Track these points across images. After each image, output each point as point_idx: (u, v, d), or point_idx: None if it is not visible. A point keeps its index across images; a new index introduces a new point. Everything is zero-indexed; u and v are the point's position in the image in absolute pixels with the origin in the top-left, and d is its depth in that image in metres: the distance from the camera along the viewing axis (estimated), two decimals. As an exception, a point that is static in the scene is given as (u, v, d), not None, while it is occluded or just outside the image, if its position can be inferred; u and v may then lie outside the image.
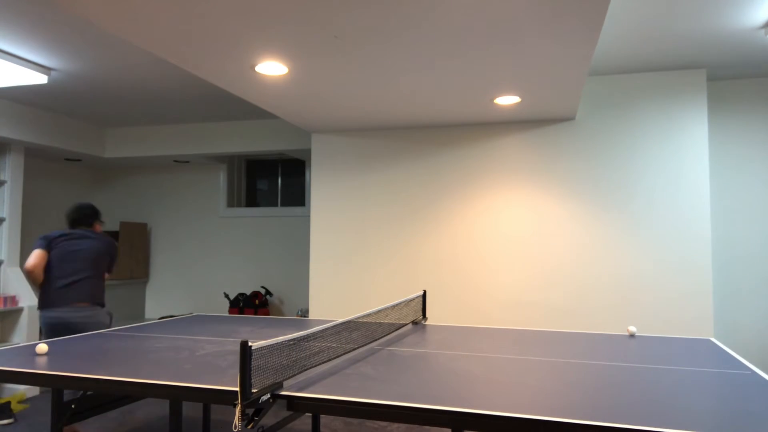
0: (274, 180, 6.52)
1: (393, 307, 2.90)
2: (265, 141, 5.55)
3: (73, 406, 2.46)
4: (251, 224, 6.35)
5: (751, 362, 4.16)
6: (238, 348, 2.44)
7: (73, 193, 6.64)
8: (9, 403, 4.15)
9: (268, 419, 3.99)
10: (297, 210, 6.18)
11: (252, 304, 5.92)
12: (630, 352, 2.39)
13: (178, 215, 6.64)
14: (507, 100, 3.65)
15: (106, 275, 3.75)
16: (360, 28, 2.52)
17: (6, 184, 5.03)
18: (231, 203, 6.52)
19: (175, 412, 2.26)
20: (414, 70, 3.11)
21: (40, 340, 3.71)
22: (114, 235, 6.41)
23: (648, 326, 3.88)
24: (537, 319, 4.09)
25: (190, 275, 6.54)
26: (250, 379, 1.59)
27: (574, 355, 2.30)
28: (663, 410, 1.53)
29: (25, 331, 4.87)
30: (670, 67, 3.92)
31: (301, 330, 2.28)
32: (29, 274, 3.42)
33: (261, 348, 1.71)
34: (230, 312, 5.96)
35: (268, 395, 1.64)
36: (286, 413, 4.08)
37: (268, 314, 6.01)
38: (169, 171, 6.73)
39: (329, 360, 2.11)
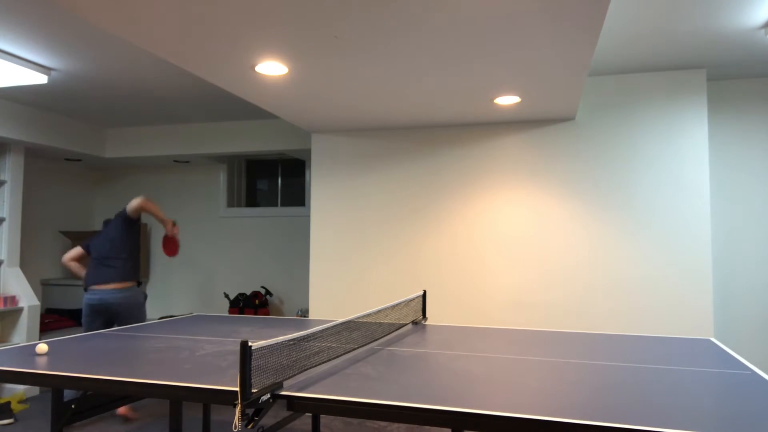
0: (274, 180, 6.52)
1: (393, 307, 2.90)
2: (265, 141, 5.55)
3: (73, 406, 2.46)
4: (251, 224, 6.35)
5: (751, 362, 4.16)
6: (238, 348, 2.44)
7: (73, 193, 6.64)
8: (9, 403, 4.15)
9: (268, 419, 3.99)
10: (297, 210, 6.18)
11: (252, 304, 5.92)
12: (630, 352, 2.39)
13: (178, 215, 6.64)
14: (507, 100, 3.65)
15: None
16: (360, 28, 2.52)
17: (6, 184, 5.03)
18: (231, 203, 6.52)
19: (175, 412, 2.26)
20: (414, 70, 3.11)
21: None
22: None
23: (648, 326, 3.88)
24: (537, 319, 4.09)
25: (190, 275, 6.54)
26: (250, 379, 1.59)
27: (574, 355, 2.30)
28: (663, 410, 1.53)
29: (25, 331, 4.87)
30: (670, 67, 3.92)
31: (301, 330, 2.28)
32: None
33: (261, 348, 1.71)
34: (230, 312, 5.96)
35: (268, 395, 1.64)
36: (286, 413, 4.08)
37: (268, 314, 6.01)
38: (169, 171, 6.73)
39: (329, 360, 2.11)
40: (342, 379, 1.87)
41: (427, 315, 4.34)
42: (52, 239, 6.28)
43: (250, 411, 1.62)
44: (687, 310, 3.83)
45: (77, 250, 4.15)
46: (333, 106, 3.86)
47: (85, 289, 4.03)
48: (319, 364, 2.01)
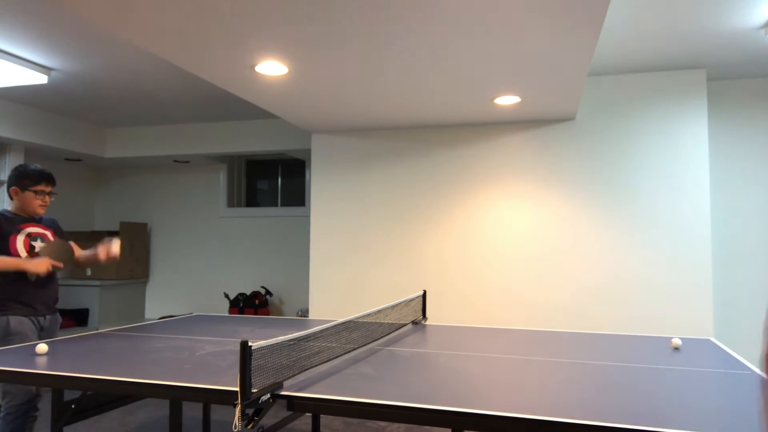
0: (274, 180, 6.52)
1: (393, 307, 2.90)
2: (265, 141, 5.55)
3: (73, 406, 2.46)
4: (251, 224, 6.35)
5: (751, 362, 4.16)
6: (238, 348, 2.44)
7: (73, 193, 6.64)
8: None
9: (268, 419, 3.99)
10: (297, 210, 6.18)
11: (252, 304, 5.92)
12: (630, 352, 2.39)
13: (178, 215, 6.64)
14: (507, 100, 3.64)
15: None
16: (360, 28, 2.52)
17: (6, 184, 5.03)
18: (231, 203, 6.52)
19: (175, 412, 2.26)
20: (414, 71, 3.11)
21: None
22: (114, 235, 6.41)
23: (648, 326, 3.88)
24: (536, 318, 4.09)
25: (190, 275, 6.54)
26: (250, 379, 1.59)
27: (574, 355, 2.30)
28: (663, 410, 1.53)
29: (25, 331, 4.86)
30: (670, 67, 3.92)
31: (301, 330, 2.28)
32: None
33: (261, 348, 1.71)
34: (230, 312, 5.96)
35: (268, 395, 1.64)
36: (286, 413, 4.08)
37: (268, 314, 6.01)
38: (169, 171, 6.72)
39: (329, 360, 2.11)
40: (342, 379, 1.87)
41: (427, 315, 4.34)
42: (52, 239, 6.27)
43: (250, 411, 1.62)
44: (687, 310, 3.82)
45: None
46: (333, 106, 3.86)
47: None
48: (319, 364, 2.01)
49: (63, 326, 5.69)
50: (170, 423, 2.23)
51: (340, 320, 2.36)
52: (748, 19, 3.15)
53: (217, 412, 4.31)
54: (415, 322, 3.21)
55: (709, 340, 2.71)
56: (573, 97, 3.56)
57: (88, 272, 6.09)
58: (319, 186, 4.65)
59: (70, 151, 5.55)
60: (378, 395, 1.66)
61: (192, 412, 4.36)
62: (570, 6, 2.29)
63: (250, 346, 1.61)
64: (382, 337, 2.66)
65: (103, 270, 6.06)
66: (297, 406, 1.66)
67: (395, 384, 1.80)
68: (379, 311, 2.74)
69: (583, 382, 1.85)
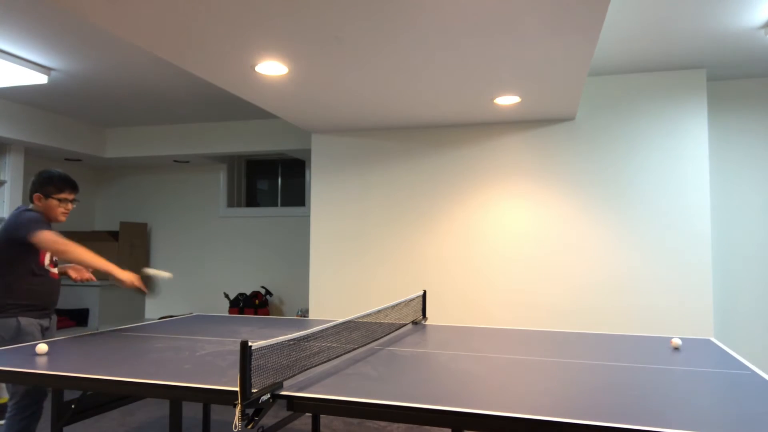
0: (274, 180, 6.52)
1: (393, 307, 2.90)
2: (265, 141, 5.55)
3: (72, 406, 2.46)
4: (251, 224, 6.35)
5: (751, 362, 4.16)
6: (238, 348, 2.44)
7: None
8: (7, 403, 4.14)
9: (268, 419, 3.99)
10: (297, 210, 6.18)
11: (252, 304, 5.91)
12: (630, 352, 2.39)
13: (178, 215, 6.64)
14: (507, 100, 3.64)
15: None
16: (360, 28, 2.52)
17: (6, 184, 5.03)
18: (231, 203, 6.52)
19: (175, 412, 2.26)
20: (414, 71, 3.11)
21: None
22: (114, 235, 6.41)
23: (648, 326, 3.88)
24: (537, 318, 4.09)
25: (190, 275, 6.54)
26: (250, 379, 1.59)
27: (574, 355, 2.30)
28: (663, 410, 1.53)
29: (25, 331, 4.86)
30: (670, 67, 3.92)
31: (301, 330, 2.28)
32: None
33: (261, 348, 1.71)
34: (230, 312, 5.96)
35: (268, 395, 1.64)
36: (286, 413, 4.08)
37: (268, 314, 6.01)
38: (169, 171, 6.72)
39: (329, 360, 2.11)
40: (342, 379, 1.87)
41: (427, 315, 4.34)
42: (52, 239, 6.27)
43: (250, 411, 1.62)
44: (687, 310, 3.82)
45: None
46: (333, 106, 3.86)
47: None
48: (319, 364, 2.01)
49: (63, 326, 5.70)
50: (170, 423, 2.23)
51: (340, 320, 2.36)
52: (748, 19, 3.15)
53: (217, 412, 4.31)
54: (415, 322, 3.21)
55: (709, 340, 2.71)
56: (573, 97, 3.56)
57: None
58: (319, 186, 4.65)
59: (70, 151, 5.55)
60: (378, 395, 1.66)
61: (192, 412, 4.36)
62: (570, 6, 2.29)
63: (250, 346, 1.61)
64: (382, 337, 2.66)
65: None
66: (297, 406, 1.66)
67: (395, 384, 1.80)
68: (379, 311, 2.74)
69: (583, 382, 1.84)
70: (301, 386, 1.76)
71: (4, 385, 4.51)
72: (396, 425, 3.98)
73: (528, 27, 2.51)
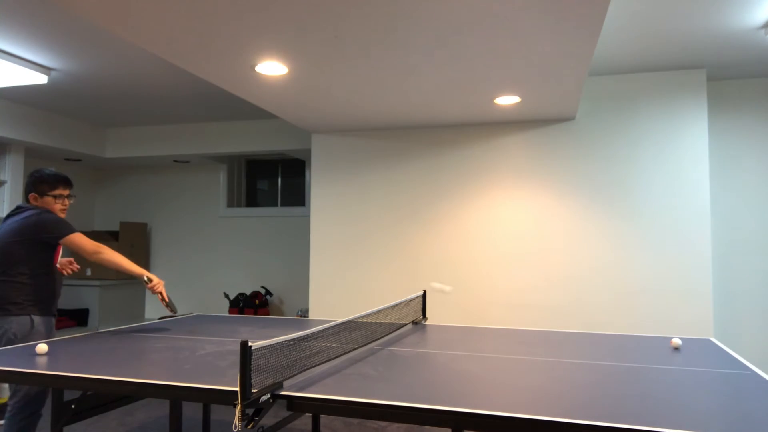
0: (274, 180, 6.52)
1: (393, 307, 2.90)
2: (265, 141, 5.55)
3: (72, 406, 2.46)
4: (251, 224, 6.35)
5: (751, 362, 4.16)
6: (238, 348, 2.44)
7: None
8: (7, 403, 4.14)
9: (268, 419, 3.99)
10: (297, 210, 6.18)
11: (252, 304, 5.91)
12: (630, 352, 2.39)
13: (178, 215, 6.64)
14: (507, 100, 3.65)
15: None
16: (360, 28, 2.52)
17: (6, 184, 5.03)
18: (231, 203, 6.52)
19: (175, 412, 2.26)
20: (414, 70, 3.11)
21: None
22: (114, 235, 6.41)
23: (648, 326, 3.88)
24: (537, 318, 4.09)
25: (190, 275, 6.54)
26: (250, 379, 1.59)
27: (574, 355, 2.30)
28: (663, 410, 1.53)
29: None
30: (670, 67, 3.92)
31: (301, 330, 2.28)
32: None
33: (261, 348, 1.71)
34: (230, 312, 5.96)
35: (268, 395, 1.64)
36: (286, 413, 4.08)
37: (268, 314, 6.01)
38: (169, 171, 6.72)
39: (329, 360, 2.11)
40: (342, 379, 1.87)
41: (427, 315, 4.34)
42: (52, 239, 6.27)
43: (250, 411, 1.62)
44: (687, 310, 3.83)
45: None
46: (333, 106, 3.86)
47: None
48: (319, 364, 2.01)
49: (63, 326, 5.70)
50: (170, 423, 2.23)
51: (340, 320, 2.36)
52: (748, 19, 3.15)
53: (217, 412, 4.31)
54: (415, 322, 3.21)
55: (709, 340, 2.71)
56: (573, 97, 3.56)
57: (88, 272, 6.09)
58: (319, 186, 4.65)
59: (70, 151, 5.55)
60: (378, 395, 1.66)
61: (192, 412, 4.36)
62: (570, 6, 2.29)
63: (250, 346, 1.61)
64: (382, 337, 2.66)
65: (103, 270, 6.06)
66: (297, 406, 1.66)
67: (395, 384, 1.80)
68: (379, 311, 2.74)
69: (583, 382, 1.85)
70: (301, 386, 1.76)
71: (5, 385, 4.51)
72: (396, 425, 3.98)
73: (528, 27, 2.51)
